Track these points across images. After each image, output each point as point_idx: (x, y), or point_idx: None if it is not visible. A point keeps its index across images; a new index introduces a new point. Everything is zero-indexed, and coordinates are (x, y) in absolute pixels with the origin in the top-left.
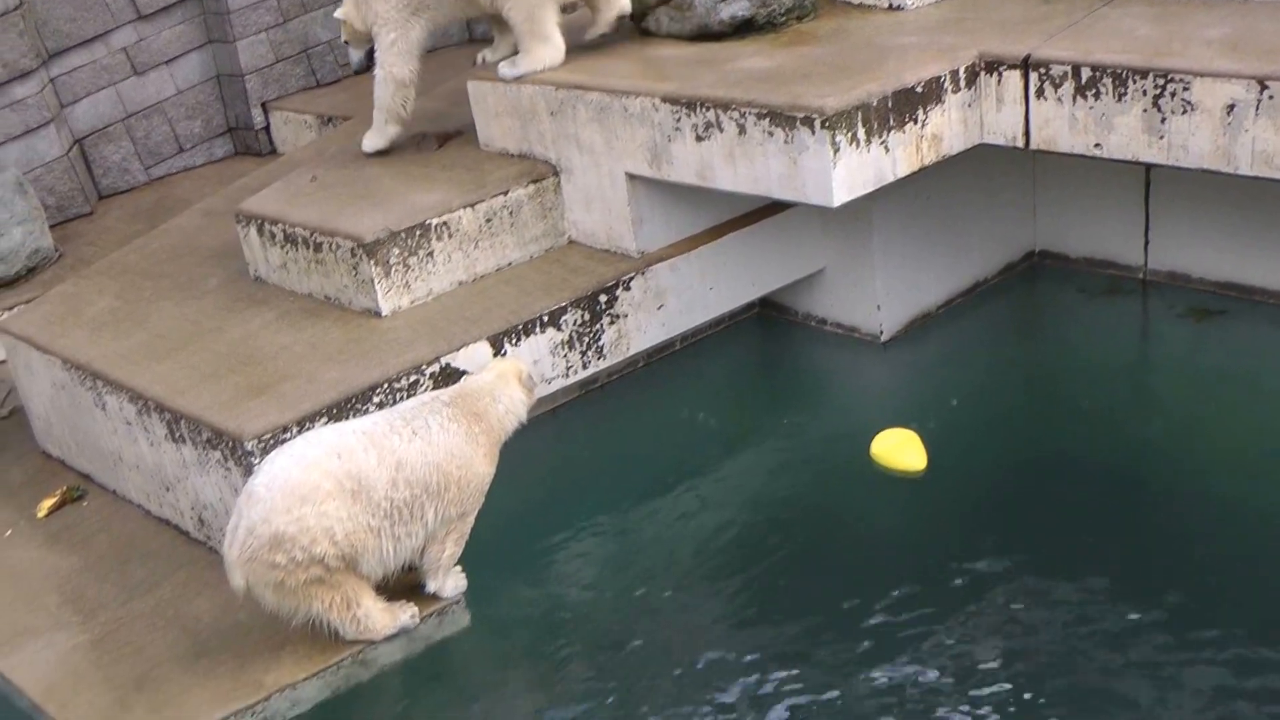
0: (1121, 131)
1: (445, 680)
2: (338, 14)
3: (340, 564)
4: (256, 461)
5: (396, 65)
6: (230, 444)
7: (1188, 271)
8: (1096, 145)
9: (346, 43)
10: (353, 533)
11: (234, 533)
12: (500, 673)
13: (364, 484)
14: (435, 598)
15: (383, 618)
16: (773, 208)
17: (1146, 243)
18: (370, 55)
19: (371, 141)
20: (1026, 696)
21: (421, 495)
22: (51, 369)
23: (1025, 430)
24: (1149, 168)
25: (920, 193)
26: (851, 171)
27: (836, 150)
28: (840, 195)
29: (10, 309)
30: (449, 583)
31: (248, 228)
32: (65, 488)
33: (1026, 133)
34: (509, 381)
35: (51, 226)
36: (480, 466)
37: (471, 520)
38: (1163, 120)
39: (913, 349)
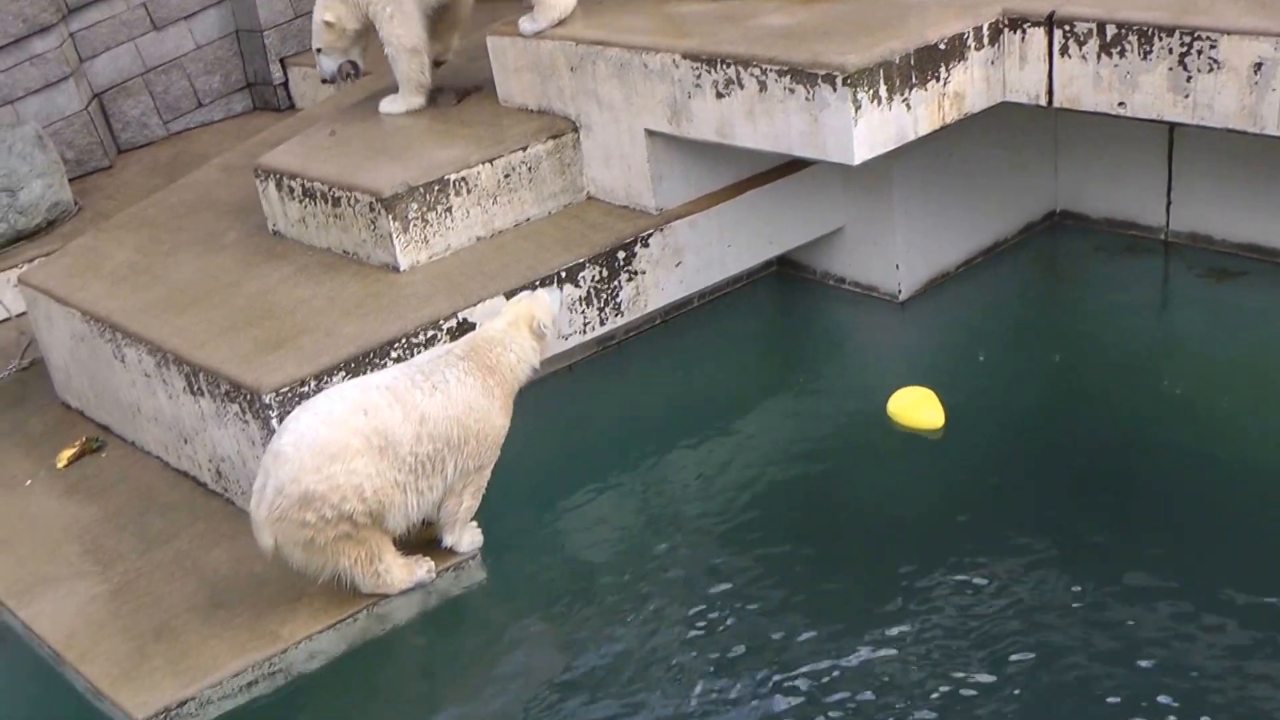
0: (1146, 90)
1: (460, 634)
2: (325, 18)
3: (368, 520)
4: (274, 415)
5: (403, 34)
6: (248, 397)
7: (1209, 233)
8: (1120, 104)
9: (319, 50)
10: (381, 489)
11: (261, 493)
12: (515, 628)
13: (390, 440)
14: (452, 552)
15: (401, 572)
16: (792, 165)
17: (1169, 203)
18: (342, 68)
19: (391, 106)
20: (1041, 656)
21: (443, 449)
22: (71, 321)
23: (1043, 391)
24: (1173, 127)
25: (941, 151)
26: (872, 129)
27: (858, 108)
28: (861, 153)
29: (30, 261)
30: (465, 538)
31: (266, 182)
32: (84, 439)
33: (1050, 91)
34: (520, 329)
35: (71, 180)
36: (497, 419)
37: (488, 473)
38: (1188, 79)
39: (931, 308)
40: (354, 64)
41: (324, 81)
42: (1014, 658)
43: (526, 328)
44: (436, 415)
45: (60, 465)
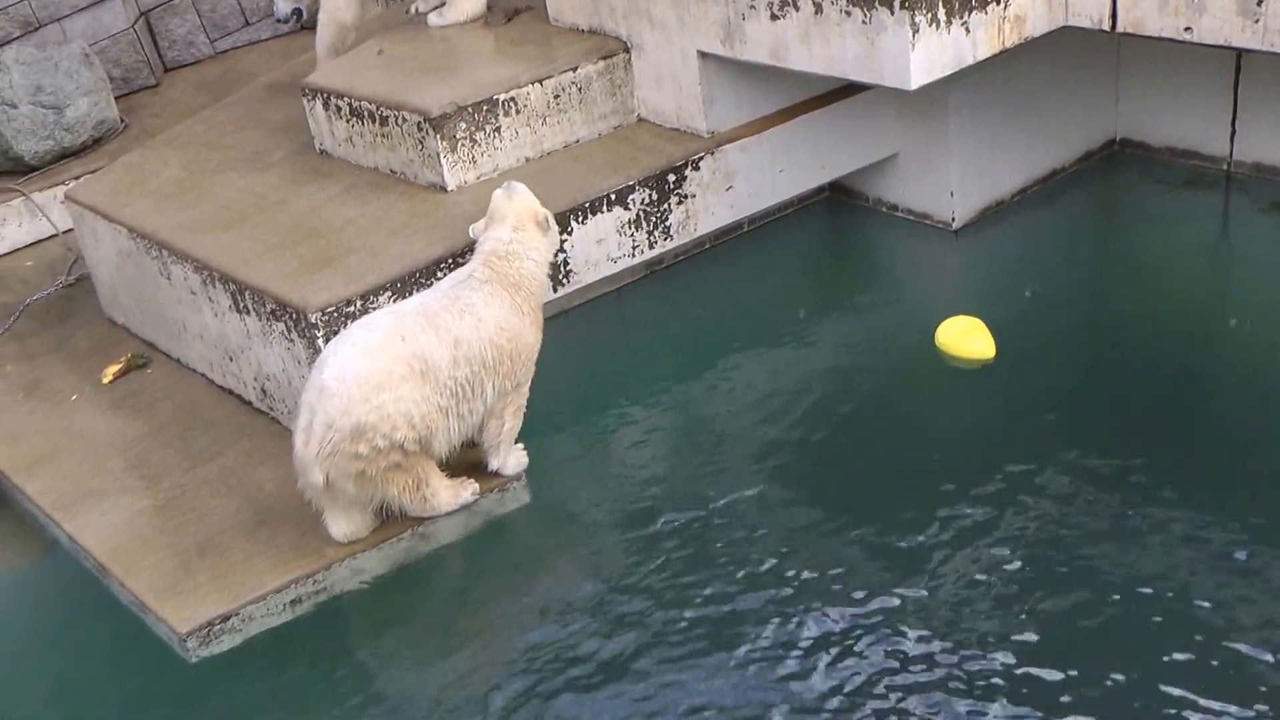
0: (1214, 14)
1: (503, 556)
2: None
3: (416, 447)
4: (320, 334)
5: (341, 8)
6: (294, 315)
7: (1275, 164)
8: (1186, 29)
9: None
10: (427, 414)
11: (309, 430)
12: (558, 550)
13: (430, 364)
14: (497, 475)
15: (446, 495)
16: (846, 90)
17: (1233, 133)
18: (296, 10)
19: (440, 19)
20: (1088, 589)
21: (480, 371)
22: (117, 237)
23: (1096, 322)
24: (1240, 54)
25: (999, 77)
26: (930, 53)
27: (915, 31)
28: (918, 78)
29: (76, 178)
30: (510, 460)
31: (314, 101)
32: (129, 355)
33: (1113, 14)
34: (528, 230)
35: (117, 98)
36: (529, 336)
37: (526, 391)
38: (1259, 2)
39: (985, 237)
40: (300, 10)
41: (278, 21)
42: (1060, 591)
43: (534, 226)
44: (470, 338)
45: (105, 381)
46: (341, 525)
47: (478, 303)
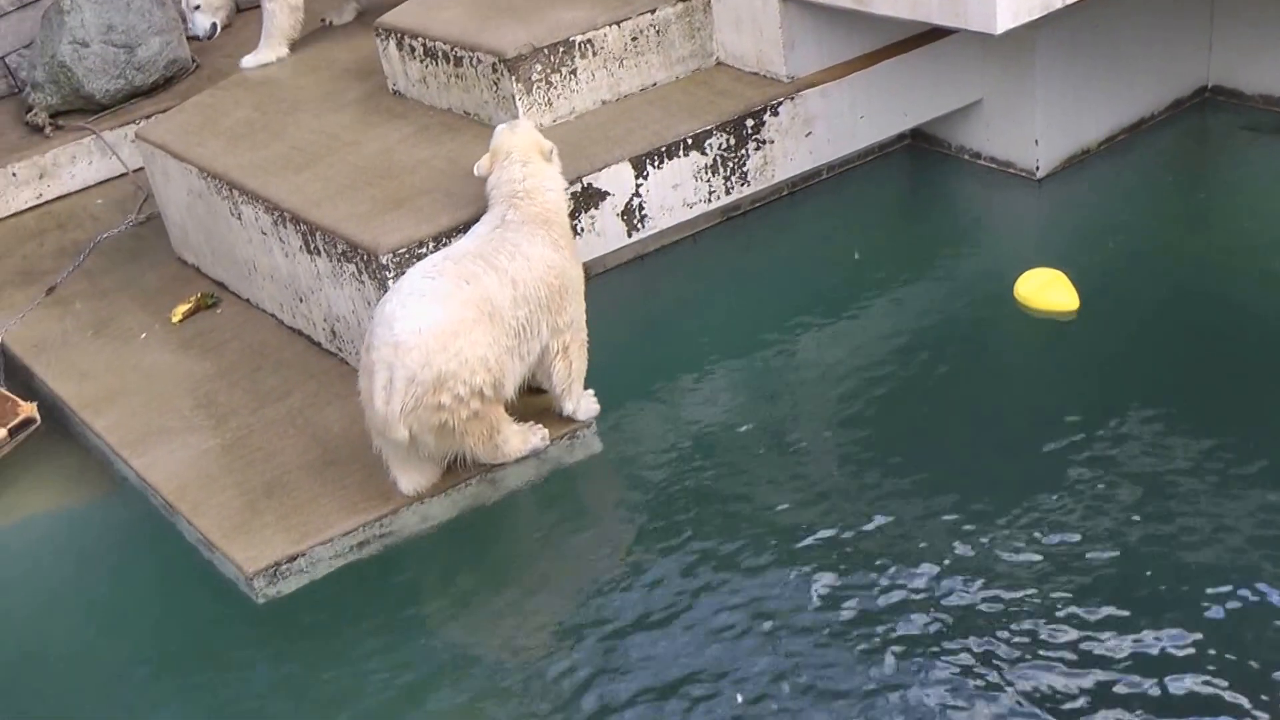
0: None
1: (570, 503)
2: None
3: (494, 392)
4: (391, 276)
5: None
6: (365, 257)
7: None
8: None
9: (197, 8)
10: (499, 356)
11: (389, 387)
12: (626, 499)
13: (496, 305)
14: (568, 421)
15: (517, 440)
16: (930, 34)
17: None
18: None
19: (256, 59)
20: (1171, 546)
21: (536, 310)
22: (188, 177)
23: (1184, 275)
24: None
25: (1088, 21)
26: None
27: None
28: (1004, 21)
29: (147, 117)
30: (583, 405)
31: (387, 41)
32: (200, 294)
33: None
34: (536, 162)
35: (189, 38)
36: (572, 270)
37: (584, 327)
38: None
39: (1070, 187)
40: (215, 24)
41: (202, 39)
42: (1135, 558)
43: (540, 158)
44: (525, 278)
45: (175, 320)
46: (413, 479)
47: (522, 243)
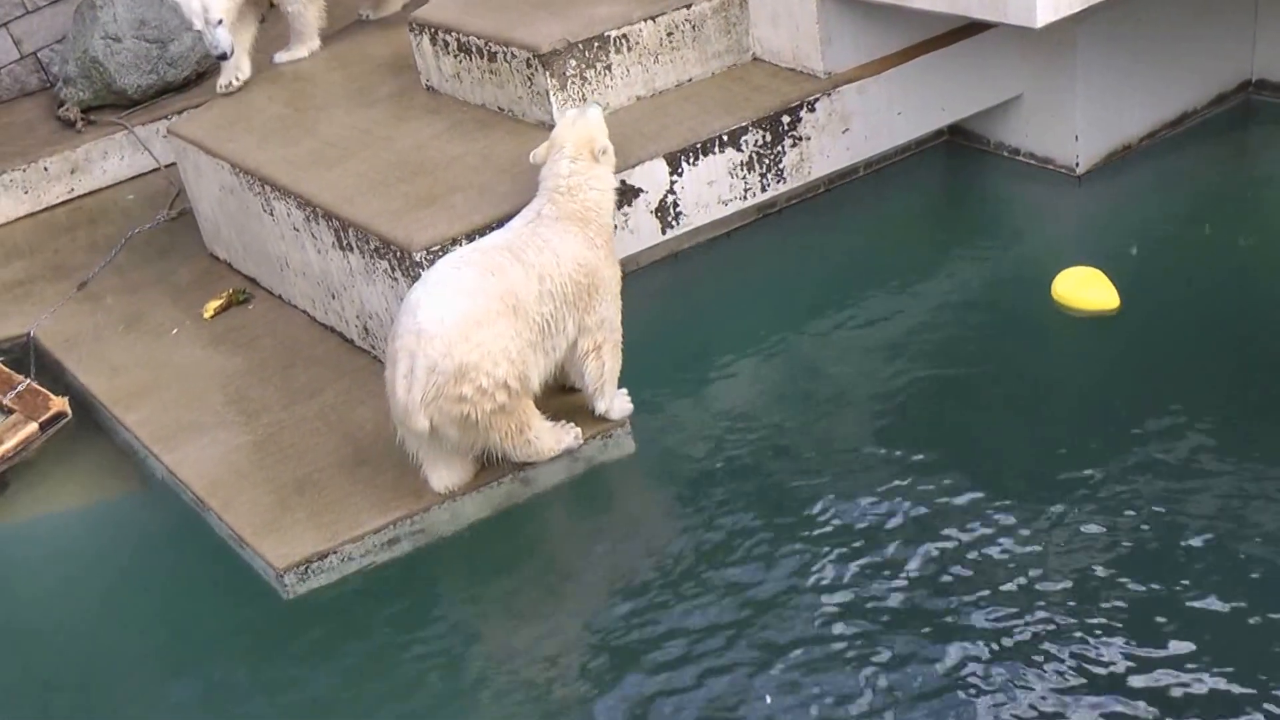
0: None
1: (604, 503)
2: None
3: (519, 385)
4: (424, 272)
5: None
6: (398, 253)
7: None
8: None
9: (219, 22)
10: (521, 349)
11: (411, 375)
12: (660, 499)
13: (520, 299)
14: (601, 420)
15: (549, 439)
16: (968, 29)
17: None
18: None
19: (291, 55)
20: (1210, 563)
21: (561, 307)
22: (220, 173)
23: (1227, 273)
24: None
25: (1129, 14)
26: None
27: None
28: (1044, 15)
29: (179, 112)
30: (616, 404)
31: (420, 36)
32: (231, 290)
33: None
34: (585, 159)
35: (217, 58)
36: (605, 270)
37: (617, 327)
38: None
39: (1110, 183)
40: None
41: (220, 58)
42: (1176, 562)
43: (590, 156)
44: (552, 273)
45: (207, 316)
46: (442, 475)
47: (553, 239)
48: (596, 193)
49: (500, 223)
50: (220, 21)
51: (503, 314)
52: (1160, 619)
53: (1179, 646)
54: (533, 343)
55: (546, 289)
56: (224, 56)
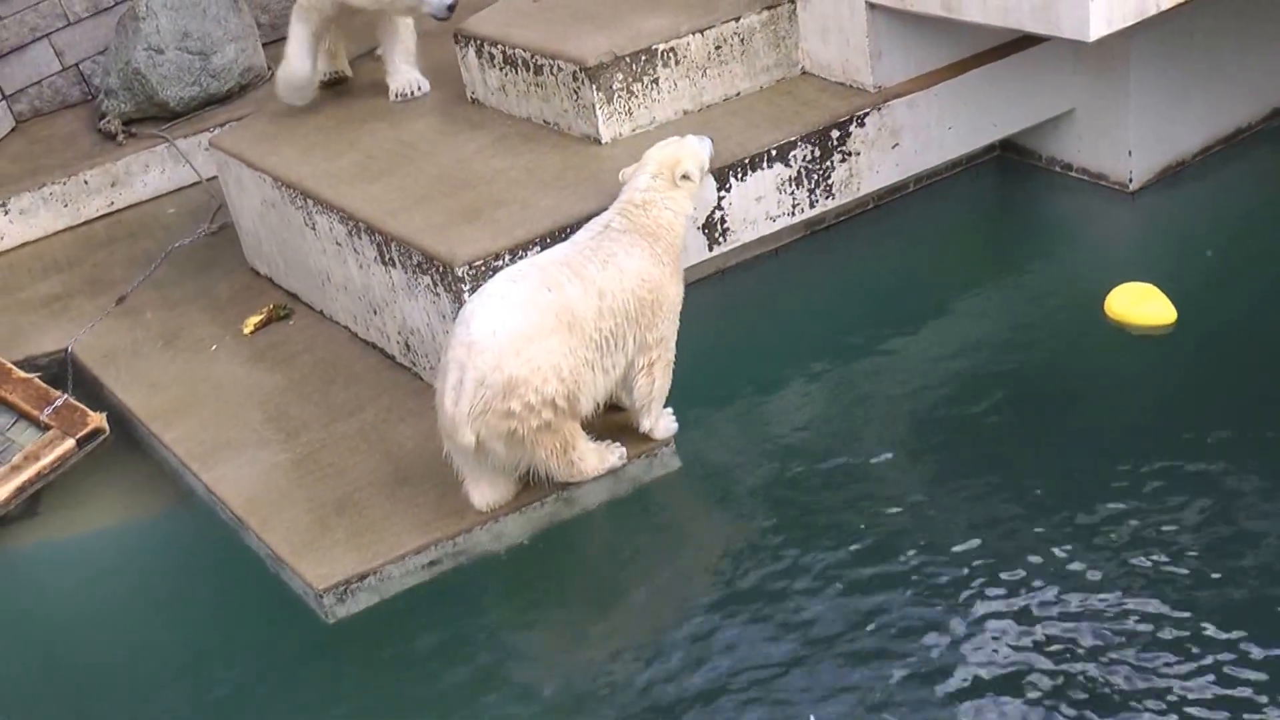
0: None
1: (647, 523)
2: None
3: (565, 404)
4: (467, 288)
5: None
6: (441, 269)
7: None
8: None
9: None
10: (575, 367)
11: (459, 388)
12: (705, 520)
13: (576, 316)
14: (646, 438)
15: (593, 459)
16: (1020, 42)
17: None
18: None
19: (413, 83)
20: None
21: (623, 323)
22: (262, 186)
23: None
24: None
25: (1183, 28)
26: (1112, 2)
27: None
28: (1098, 28)
29: (221, 125)
30: (661, 423)
31: (466, 48)
32: (272, 305)
33: None
34: (664, 182)
35: (265, 45)
36: (670, 288)
37: (673, 348)
38: None
39: (1164, 199)
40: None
41: (440, 18)
42: (1236, 587)
43: (670, 179)
44: (613, 289)
45: (247, 331)
46: (485, 493)
47: (619, 253)
48: (670, 213)
49: (544, 238)
50: None
51: (556, 330)
52: (1219, 638)
53: (1249, 674)
54: (590, 361)
55: (607, 305)
56: (451, 9)
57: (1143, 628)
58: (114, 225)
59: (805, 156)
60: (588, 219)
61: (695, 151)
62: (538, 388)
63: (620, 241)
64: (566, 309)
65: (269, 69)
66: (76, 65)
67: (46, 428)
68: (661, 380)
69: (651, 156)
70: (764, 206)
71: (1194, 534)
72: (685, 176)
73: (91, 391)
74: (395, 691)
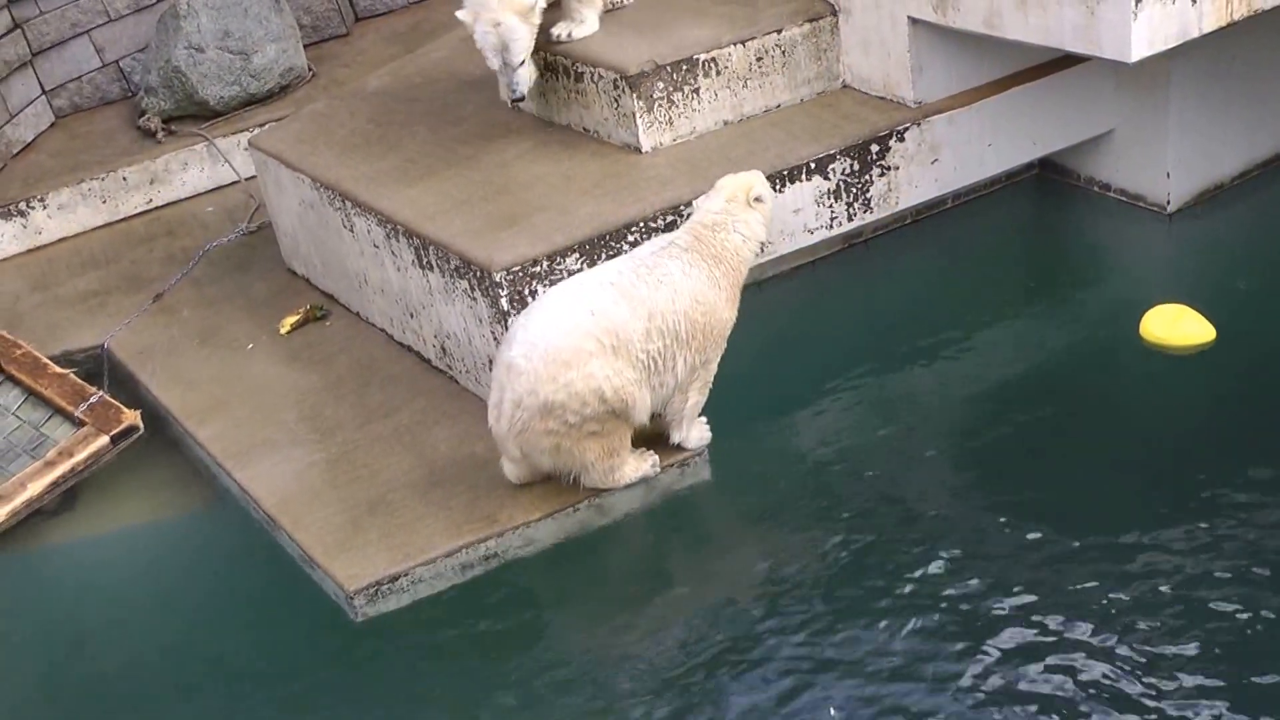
0: None
1: (680, 531)
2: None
3: (612, 416)
4: (504, 294)
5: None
6: (478, 274)
7: None
8: None
9: (521, 63)
10: (620, 388)
11: (499, 407)
12: (735, 530)
13: (622, 338)
14: (679, 448)
15: (629, 466)
16: (1062, 62)
17: None
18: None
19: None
20: None
21: (672, 345)
22: (300, 187)
23: None
24: None
25: (1225, 50)
26: (1153, 24)
27: (1138, 0)
28: (1139, 50)
29: (261, 125)
30: (694, 434)
31: None
32: (309, 306)
33: None
34: (738, 204)
35: (306, 46)
36: (724, 312)
37: (714, 367)
38: None
39: (1202, 222)
40: None
41: (515, 101)
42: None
43: (744, 200)
44: (664, 310)
45: (283, 331)
46: (518, 469)
47: (675, 272)
48: (740, 237)
49: (581, 245)
50: (523, 63)
51: (598, 354)
52: (1260, 683)
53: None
54: (637, 380)
55: (655, 326)
56: (520, 100)
57: (1184, 653)
58: (152, 223)
59: (844, 170)
60: (626, 227)
61: (763, 178)
62: (576, 410)
63: (679, 260)
64: (610, 332)
65: (310, 70)
66: (117, 62)
67: (81, 423)
68: (697, 397)
69: (724, 183)
70: (802, 219)
71: (1231, 561)
72: (759, 199)
73: (127, 388)
74: (424, 693)
